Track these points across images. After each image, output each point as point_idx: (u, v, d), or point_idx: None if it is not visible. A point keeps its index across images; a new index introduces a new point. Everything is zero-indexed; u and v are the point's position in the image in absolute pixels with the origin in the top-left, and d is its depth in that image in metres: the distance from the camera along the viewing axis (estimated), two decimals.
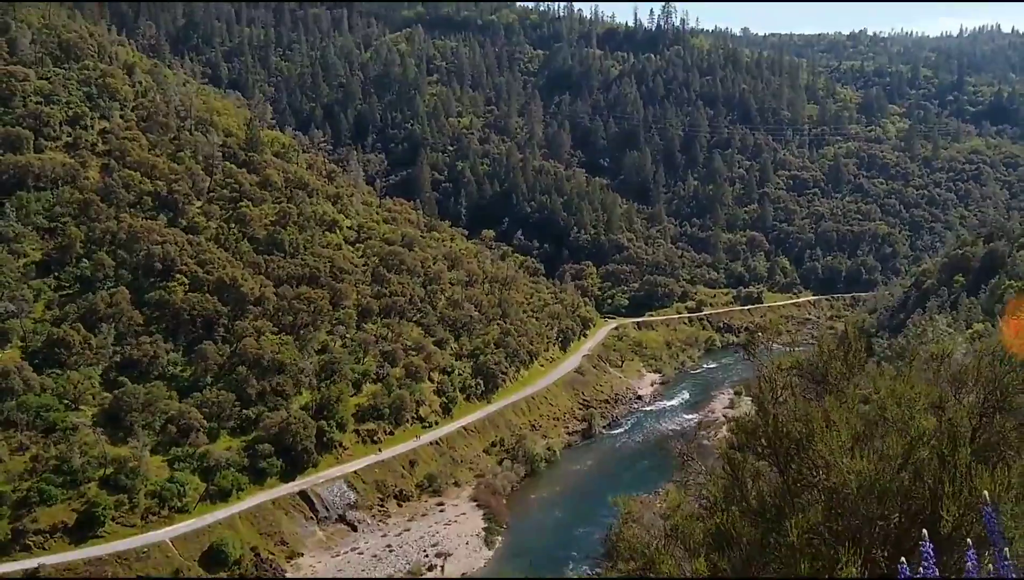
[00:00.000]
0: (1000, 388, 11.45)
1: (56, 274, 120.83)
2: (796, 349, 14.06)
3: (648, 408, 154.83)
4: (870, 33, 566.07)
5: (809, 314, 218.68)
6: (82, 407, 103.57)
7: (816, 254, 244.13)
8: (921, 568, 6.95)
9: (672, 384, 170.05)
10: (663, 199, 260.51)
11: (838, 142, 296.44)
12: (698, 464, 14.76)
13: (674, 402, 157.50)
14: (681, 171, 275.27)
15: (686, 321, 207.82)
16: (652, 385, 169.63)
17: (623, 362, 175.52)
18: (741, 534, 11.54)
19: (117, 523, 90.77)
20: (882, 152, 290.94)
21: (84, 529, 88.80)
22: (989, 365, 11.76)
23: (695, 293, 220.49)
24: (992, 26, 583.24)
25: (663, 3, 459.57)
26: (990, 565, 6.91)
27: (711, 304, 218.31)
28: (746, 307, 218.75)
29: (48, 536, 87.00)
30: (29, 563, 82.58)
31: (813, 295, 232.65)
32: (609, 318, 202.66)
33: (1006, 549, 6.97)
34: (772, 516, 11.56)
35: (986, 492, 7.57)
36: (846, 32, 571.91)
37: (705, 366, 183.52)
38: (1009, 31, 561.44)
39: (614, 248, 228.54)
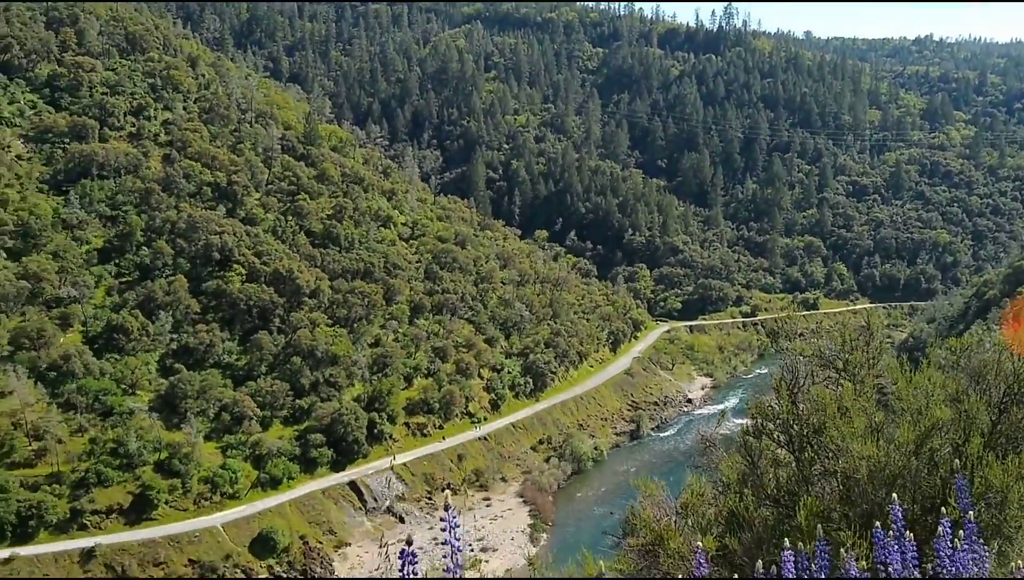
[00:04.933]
0: (1019, 381, 11.43)
1: (116, 261, 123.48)
2: (821, 340, 14.17)
3: (698, 411, 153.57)
4: (936, 38, 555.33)
5: (865, 322, 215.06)
6: (139, 392, 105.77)
7: (874, 261, 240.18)
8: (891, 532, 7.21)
9: (723, 389, 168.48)
10: (720, 202, 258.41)
11: (900, 148, 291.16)
12: (719, 449, 14.85)
13: (725, 406, 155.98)
14: (740, 174, 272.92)
15: (740, 326, 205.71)
16: (703, 389, 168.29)
17: (674, 365, 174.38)
18: (753, 516, 11.61)
19: (170, 507, 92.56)
20: (945, 159, 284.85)
21: (138, 511, 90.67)
22: (1010, 358, 11.79)
23: (750, 298, 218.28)
24: None
25: (725, 4, 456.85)
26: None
27: (766, 309, 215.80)
28: (802, 313, 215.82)
29: (104, 517, 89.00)
30: (86, 542, 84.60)
31: (870, 303, 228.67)
32: (661, 321, 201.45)
33: (970, 512, 7.33)
34: (786, 500, 11.64)
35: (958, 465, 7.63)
36: (911, 37, 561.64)
37: (757, 371, 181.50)
38: None
39: (669, 251, 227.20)
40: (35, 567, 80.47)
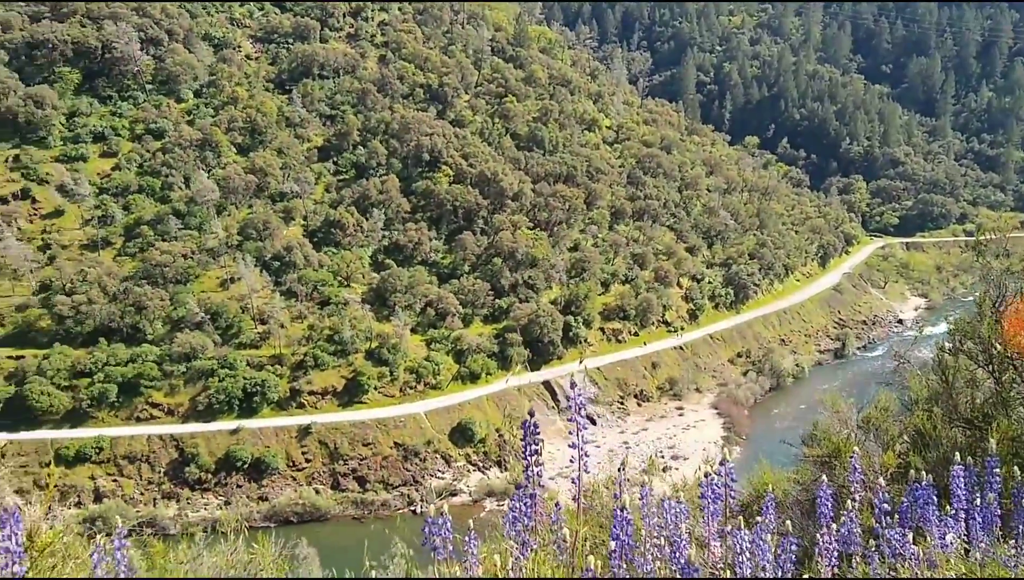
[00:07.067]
0: None
1: (334, 159, 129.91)
2: None
3: (909, 333, 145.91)
4: None
5: None
6: (353, 285, 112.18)
7: None
8: None
9: (939, 310, 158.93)
10: (950, 111, 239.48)
11: None
12: (912, 366, 14.24)
13: (939, 329, 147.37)
14: (974, 81, 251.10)
15: (962, 245, 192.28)
16: (916, 309, 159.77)
17: (886, 283, 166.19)
18: (941, 436, 11.12)
19: (378, 392, 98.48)
20: None
21: (350, 394, 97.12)
22: None
23: (976, 216, 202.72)
24: None
25: None
26: None
27: (993, 228, 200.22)
28: None
29: (319, 397, 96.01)
30: (303, 419, 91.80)
31: None
32: (875, 236, 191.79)
33: None
34: (979, 422, 11.05)
35: None
36: None
37: (978, 293, 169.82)
38: None
39: (888, 162, 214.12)
40: (258, 438, 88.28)
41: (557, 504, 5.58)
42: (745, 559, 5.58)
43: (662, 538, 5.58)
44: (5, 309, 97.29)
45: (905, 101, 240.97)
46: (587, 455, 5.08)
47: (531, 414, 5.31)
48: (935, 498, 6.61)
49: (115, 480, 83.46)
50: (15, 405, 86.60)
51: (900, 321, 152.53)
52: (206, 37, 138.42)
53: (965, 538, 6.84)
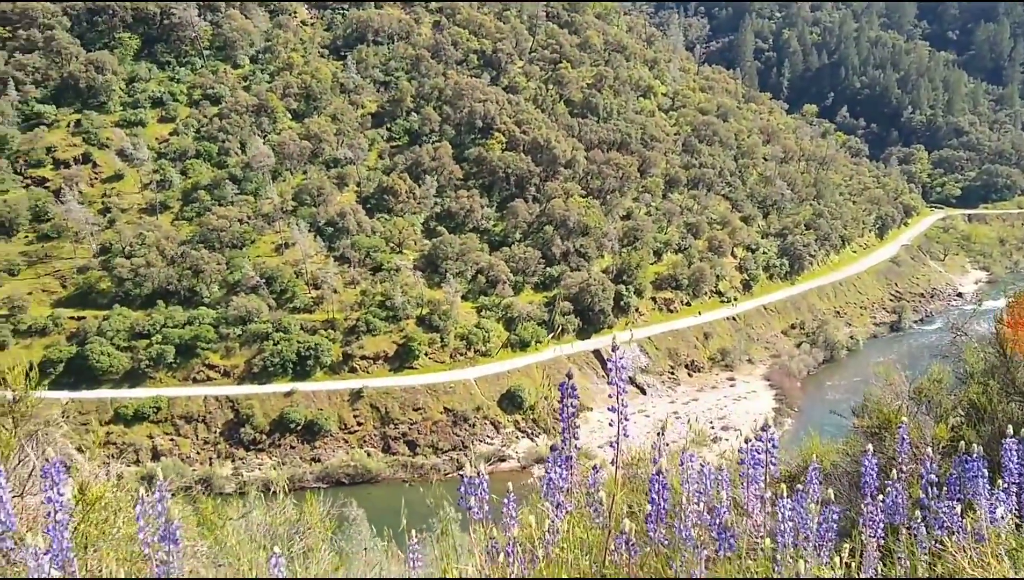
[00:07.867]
0: None
1: (388, 126, 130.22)
2: None
3: (968, 307, 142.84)
4: None
5: None
6: (405, 251, 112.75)
7: None
8: None
9: (1000, 284, 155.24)
10: (1018, 79, 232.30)
11: None
12: (969, 339, 13.92)
13: (1000, 303, 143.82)
14: None
15: None
16: (976, 283, 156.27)
17: (946, 256, 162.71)
18: (996, 409, 10.84)
19: (429, 358, 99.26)
20: None
21: (401, 360, 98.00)
22: None
23: None
24: None
25: None
26: None
27: None
28: None
29: (371, 362, 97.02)
30: (355, 383, 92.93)
31: None
32: (936, 208, 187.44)
33: None
34: None
35: None
36: None
37: None
38: None
39: (951, 132, 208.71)
40: (312, 401, 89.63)
41: (595, 467, 5.56)
42: (787, 527, 5.51)
43: (702, 503, 5.54)
44: (67, 271, 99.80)
45: (971, 69, 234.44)
46: (627, 419, 5.02)
47: (569, 376, 5.27)
48: (985, 471, 6.46)
49: (172, 439, 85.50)
50: (77, 365, 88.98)
51: (959, 294, 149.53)
52: (262, 3, 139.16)
53: (1016, 512, 6.67)
